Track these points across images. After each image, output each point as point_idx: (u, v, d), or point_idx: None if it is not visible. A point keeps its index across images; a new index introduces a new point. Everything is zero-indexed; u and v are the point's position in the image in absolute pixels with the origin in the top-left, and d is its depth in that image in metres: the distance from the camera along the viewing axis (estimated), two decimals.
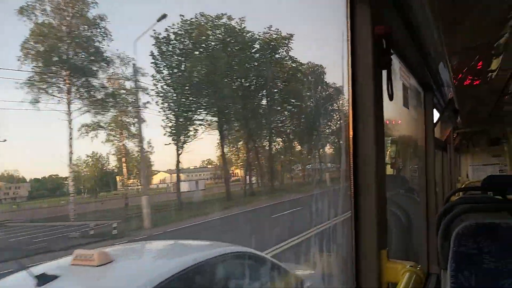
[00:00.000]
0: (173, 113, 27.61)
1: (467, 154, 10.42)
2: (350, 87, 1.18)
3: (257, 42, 30.20)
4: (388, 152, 4.57)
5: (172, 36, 28.08)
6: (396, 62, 2.20)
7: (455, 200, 3.28)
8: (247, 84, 30.41)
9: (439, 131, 5.01)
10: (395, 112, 2.89)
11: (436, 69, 2.76)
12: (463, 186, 7.75)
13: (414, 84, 2.98)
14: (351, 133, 1.19)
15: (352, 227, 1.22)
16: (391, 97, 1.26)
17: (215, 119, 29.17)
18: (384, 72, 1.26)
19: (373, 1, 1.18)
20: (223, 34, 29.04)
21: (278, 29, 30.91)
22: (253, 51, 30.18)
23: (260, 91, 31.16)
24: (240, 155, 33.38)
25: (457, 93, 3.84)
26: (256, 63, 30.11)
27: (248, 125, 29.44)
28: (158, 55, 27.75)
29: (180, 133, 27.36)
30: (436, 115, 3.76)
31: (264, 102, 32.15)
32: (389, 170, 4.57)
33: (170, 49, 28.08)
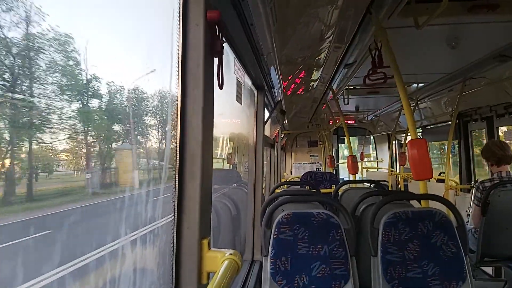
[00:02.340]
0: None
1: (291, 153, 11.69)
2: (180, 72, 1.13)
3: None
4: (224, 147, 4.74)
5: None
6: (231, 57, 2.26)
7: (278, 193, 3.60)
8: None
9: (268, 130, 5.44)
10: (231, 108, 2.99)
11: (268, 71, 2.94)
12: (287, 180, 8.67)
13: (248, 82, 3.12)
14: (178, 120, 1.15)
15: (174, 218, 1.18)
16: (221, 86, 1.27)
17: None
18: (216, 60, 1.26)
19: None
20: None
21: None
22: None
23: None
24: None
25: (284, 97, 4.23)
26: None
27: None
28: None
29: None
30: (266, 114, 4.06)
31: None
32: (225, 165, 4.73)
33: None
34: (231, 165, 4.84)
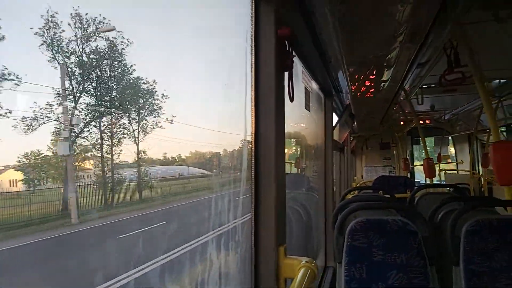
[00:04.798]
0: None
1: (362, 156, 11.32)
2: (253, 87, 1.18)
3: None
4: (292, 152, 4.76)
5: None
6: (299, 66, 2.28)
7: (350, 198, 3.53)
8: None
9: (337, 134, 5.35)
10: (298, 114, 3.00)
11: (335, 76, 2.91)
12: (358, 185, 8.42)
13: (315, 88, 3.11)
14: (253, 132, 1.20)
15: (252, 225, 1.23)
16: (291, 99, 1.30)
17: None
18: (286, 74, 1.29)
19: (278, 3, 1.19)
20: None
21: None
22: None
23: None
24: None
25: (353, 100, 4.14)
26: None
27: None
28: None
29: None
30: (335, 119, 4.01)
31: None
32: (293, 170, 4.75)
33: None
34: (299, 170, 4.84)
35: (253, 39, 1.16)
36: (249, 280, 1.25)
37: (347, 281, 2.24)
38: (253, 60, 1.17)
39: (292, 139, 4.29)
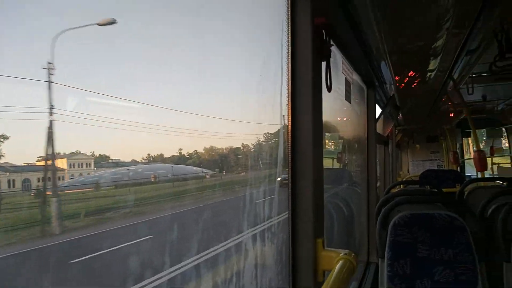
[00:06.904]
0: None
1: (408, 150, 10.92)
2: (290, 78, 1.18)
3: None
4: (331, 147, 4.69)
5: None
6: (338, 56, 2.24)
7: (394, 192, 3.42)
8: None
9: (381, 127, 5.20)
10: (339, 107, 2.95)
11: (378, 66, 2.83)
12: (403, 179, 8.15)
13: (357, 79, 3.04)
14: (289, 123, 1.20)
15: (289, 217, 1.23)
16: (329, 89, 1.28)
17: None
18: (324, 64, 1.27)
19: None
20: None
21: None
22: None
23: None
24: None
25: (397, 91, 4.00)
26: None
27: None
28: None
29: None
30: (378, 111, 3.90)
31: None
32: (336, 164, 4.68)
33: None
34: (342, 164, 4.77)
35: (289, 28, 1.16)
36: (287, 271, 1.25)
37: (390, 277, 2.18)
38: (289, 50, 1.17)
39: (331, 134, 4.23)
